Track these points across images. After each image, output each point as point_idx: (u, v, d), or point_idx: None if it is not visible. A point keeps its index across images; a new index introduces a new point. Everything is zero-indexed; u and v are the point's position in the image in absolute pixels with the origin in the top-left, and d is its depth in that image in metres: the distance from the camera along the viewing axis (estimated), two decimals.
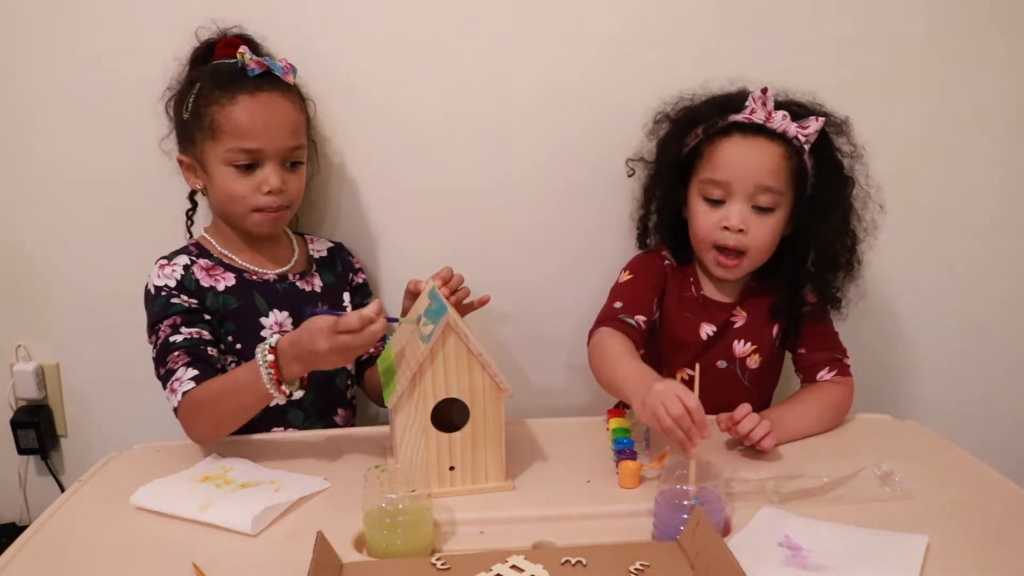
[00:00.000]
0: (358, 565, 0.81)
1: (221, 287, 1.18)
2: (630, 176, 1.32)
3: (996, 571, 0.81)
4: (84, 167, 1.37)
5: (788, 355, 1.30)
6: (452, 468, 0.98)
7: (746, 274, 1.22)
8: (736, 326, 1.23)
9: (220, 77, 1.15)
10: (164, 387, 1.10)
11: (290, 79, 1.19)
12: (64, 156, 1.37)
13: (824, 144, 1.16)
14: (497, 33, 1.33)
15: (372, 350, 1.28)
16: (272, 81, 1.17)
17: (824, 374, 1.21)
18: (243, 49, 1.15)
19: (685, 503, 0.85)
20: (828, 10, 1.35)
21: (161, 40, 1.25)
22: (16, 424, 1.47)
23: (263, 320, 1.19)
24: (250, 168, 1.15)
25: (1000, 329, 1.51)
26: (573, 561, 0.80)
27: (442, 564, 0.79)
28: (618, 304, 1.19)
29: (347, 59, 1.33)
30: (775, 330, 1.24)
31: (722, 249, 1.17)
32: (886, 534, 0.86)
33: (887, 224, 1.36)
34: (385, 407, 1.10)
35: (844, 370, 1.22)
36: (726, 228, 1.15)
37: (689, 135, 1.19)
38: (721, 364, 1.23)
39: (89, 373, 1.48)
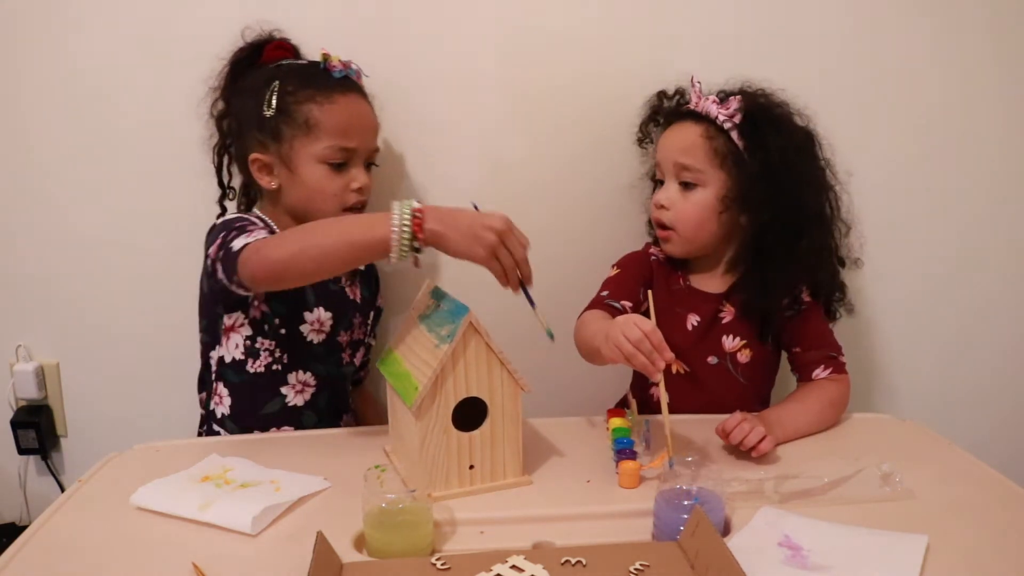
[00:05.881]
0: (358, 565, 0.81)
1: None
2: (652, 178, 1.35)
3: (996, 571, 0.81)
4: (84, 167, 1.37)
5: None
6: (472, 467, 0.98)
7: (732, 268, 1.24)
8: (724, 321, 1.25)
9: (307, 76, 1.16)
10: (226, 247, 1.04)
11: (362, 83, 1.22)
12: (64, 156, 1.37)
13: (753, 124, 1.18)
14: (504, 32, 1.35)
15: (362, 374, 1.29)
16: (353, 84, 1.19)
17: (820, 372, 1.22)
18: (327, 51, 1.18)
19: (685, 503, 0.85)
20: (824, 10, 1.36)
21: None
22: (16, 424, 1.48)
23: (307, 314, 1.19)
24: (340, 167, 1.16)
25: (992, 327, 1.52)
26: (573, 561, 0.79)
27: (442, 564, 0.79)
28: (604, 293, 1.24)
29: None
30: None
31: (660, 225, 1.24)
32: (886, 534, 0.86)
33: (880, 224, 1.38)
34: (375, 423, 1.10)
35: (840, 367, 1.22)
36: (655, 204, 1.24)
37: (656, 133, 1.29)
38: (712, 360, 1.24)
39: (89, 373, 1.48)
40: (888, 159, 1.42)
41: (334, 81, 1.16)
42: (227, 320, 1.17)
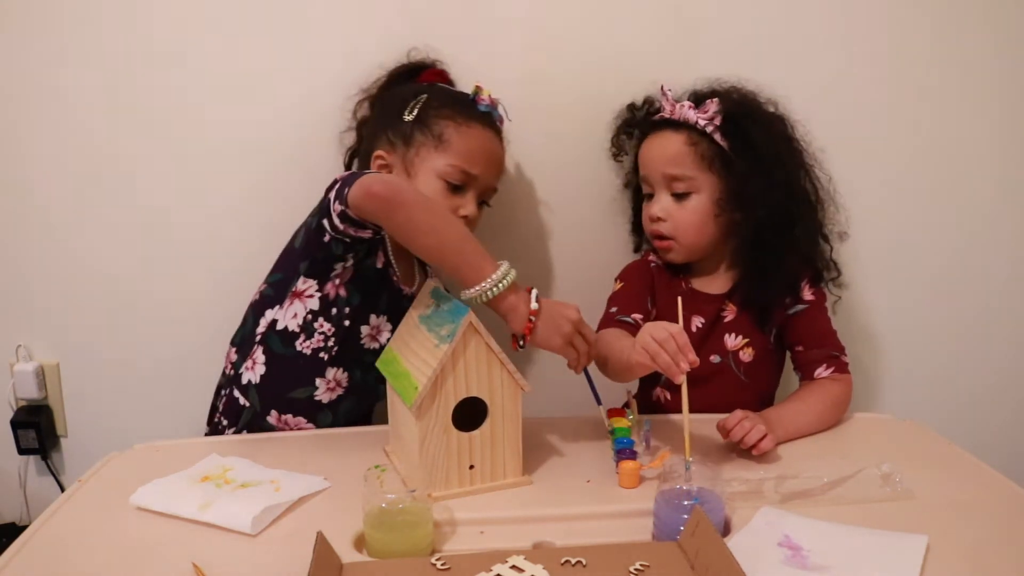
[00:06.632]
0: (358, 565, 0.81)
1: (380, 263, 1.18)
2: (627, 186, 1.37)
3: (996, 571, 0.81)
4: (84, 168, 1.37)
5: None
6: (472, 467, 0.98)
7: (732, 266, 1.26)
8: (727, 320, 1.25)
9: (454, 99, 1.21)
10: (360, 172, 1.08)
11: (502, 127, 1.24)
12: (62, 156, 1.37)
13: (733, 123, 1.19)
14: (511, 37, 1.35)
15: None
16: (493, 122, 1.22)
17: (822, 371, 1.22)
18: (480, 85, 1.21)
19: (685, 503, 0.85)
20: (822, 11, 1.36)
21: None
22: (16, 424, 1.48)
23: (372, 316, 1.19)
24: (456, 189, 1.18)
25: (993, 327, 1.52)
26: (573, 561, 0.79)
27: (442, 564, 0.79)
28: (614, 309, 1.25)
29: None
30: (768, 325, 1.25)
31: (658, 237, 1.24)
32: (886, 534, 0.86)
33: (880, 224, 1.37)
34: None
35: (842, 367, 1.22)
36: (650, 217, 1.24)
37: (628, 142, 1.30)
38: (715, 359, 1.24)
39: (89, 373, 1.48)
40: (888, 160, 1.42)
41: (478, 112, 1.20)
42: (301, 284, 1.15)
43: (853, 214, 1.34)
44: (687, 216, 1.21)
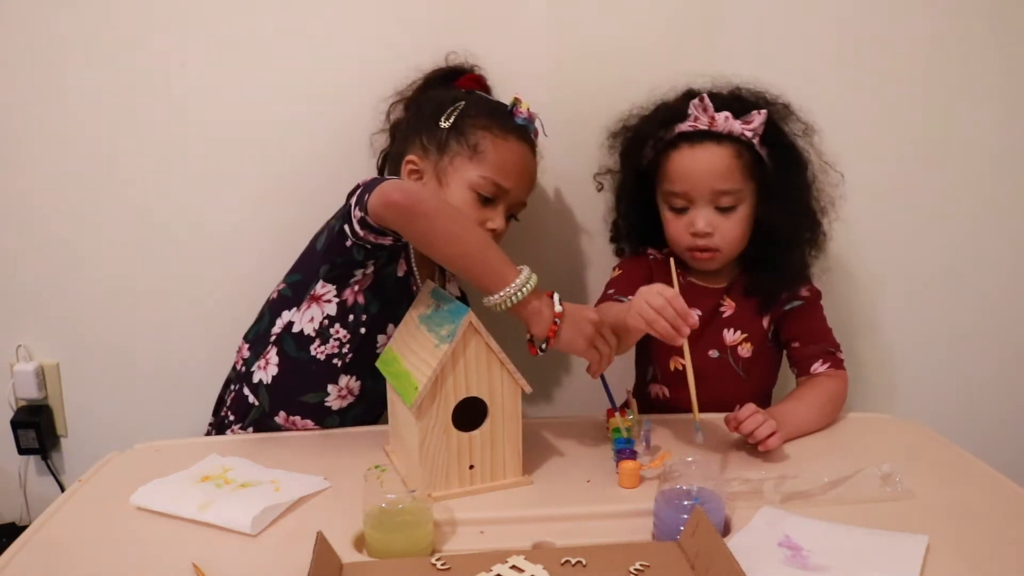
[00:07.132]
0: (358, 565, 0.81)
1: (401, 271, 1.18)
2: (599, 191, 1.35)
3: (996, 571, 0.81)
4: (83, 169, 1.37)
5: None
6: (472, 467, 0.98)
7: (731, 264, 1.26)
8: (725, 315, 1.25)
9: (492, 109, 1.20)
10: (381, 178, 1.07)
11: (537, 141, 1.24)
12: (61, 157, 1.37)
13: (773, 131, 1.19)
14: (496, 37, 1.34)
15: None
16: (529, 136, 1.21)
17: (818, 367, 1.22)
18: (519, 97, 1.20)
19: (685, 503, 0.85)
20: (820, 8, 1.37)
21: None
22: (16, 424, 1.48)
23: (390, 326, 1.17)
24: (486, 202, 1.17)
25: (992, 327, 1.52)
26: (573, 561, 0.79)
27: (442, 564, 0.79)
28: (611, 291, 1.26)
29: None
30: (766, 321, 1.26)
31: (701, 249, 1.21)
32: (886, 534, 0.86)
33: (879, 224, 1.37)
34: None
35: (837, 363, 1.23)
36: (694, 233, 1.19)
37: (643, 150, 1.24)
38: (713, 354, 1.25)
39: (89, 373, 1.48)
40: (886, 159, 1.42)
41: (514, 124, 1.19)
42: (320, 288, 1.14)
43: (853, 213, 1.33)
44: (734, 228, 1.19)
